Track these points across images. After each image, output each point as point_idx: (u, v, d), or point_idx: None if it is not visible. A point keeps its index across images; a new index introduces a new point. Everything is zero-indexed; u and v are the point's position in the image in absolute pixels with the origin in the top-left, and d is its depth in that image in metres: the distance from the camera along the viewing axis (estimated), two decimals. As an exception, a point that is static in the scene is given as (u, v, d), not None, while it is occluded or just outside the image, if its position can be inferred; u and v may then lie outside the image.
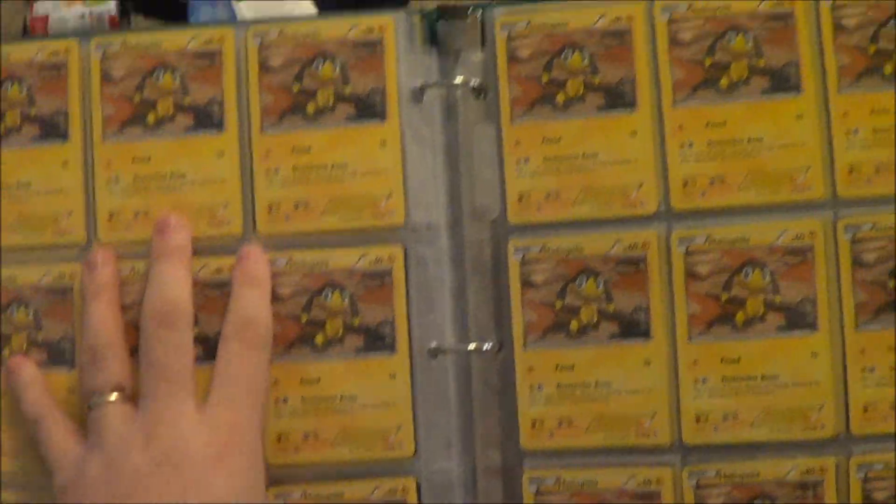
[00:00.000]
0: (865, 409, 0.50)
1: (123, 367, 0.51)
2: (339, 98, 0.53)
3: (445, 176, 0.53)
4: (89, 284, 0.52)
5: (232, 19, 0.77)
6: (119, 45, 0.53)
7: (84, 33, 0.54)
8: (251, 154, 0.53)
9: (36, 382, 0.52)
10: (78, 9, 0.86)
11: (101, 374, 0.50)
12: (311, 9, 0.79)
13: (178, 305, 0.50)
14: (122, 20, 0.85)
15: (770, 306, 0.50)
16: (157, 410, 0.49)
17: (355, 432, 0.52)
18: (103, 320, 0.51)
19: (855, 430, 0.50)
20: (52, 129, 0.53)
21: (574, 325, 0.51)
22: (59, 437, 0.51)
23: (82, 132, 0.53)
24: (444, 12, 0.54)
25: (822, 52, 0.51)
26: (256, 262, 0.52)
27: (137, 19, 0.86)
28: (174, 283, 0.51)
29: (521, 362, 0.52)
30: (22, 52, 0.54)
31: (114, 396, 0.50)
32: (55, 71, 0.54)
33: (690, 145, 0.51)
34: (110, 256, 0.52)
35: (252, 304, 0.51)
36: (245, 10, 0.79)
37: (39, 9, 0.87)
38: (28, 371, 0.52)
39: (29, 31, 0.84)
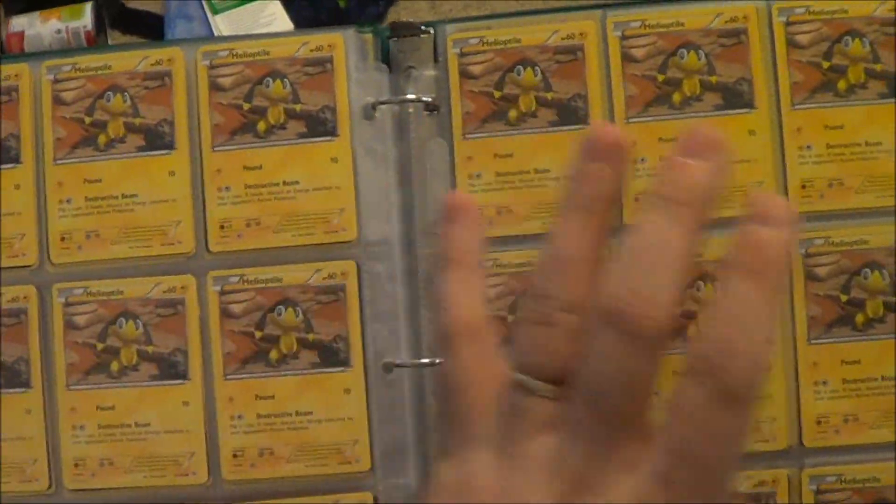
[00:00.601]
0: (818, 422, 0.50)
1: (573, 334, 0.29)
2: (290, 115, 0.53)
3: (398, 191, 0.53)
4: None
5: (209, 35, 0.77)
6: (70, 68, 0.54)
7: (60, 52, 0.54)
8: (202, 173, 0.53)
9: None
10: (54, 24, 0.86)
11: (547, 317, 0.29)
12: (287, 24, 0.79)
13: (659, 299, 0.27)
14: (98, 36, 0.85)
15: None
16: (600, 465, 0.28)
17: (311, 448, 0.52)
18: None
19: (807, 442, 0.50)
20: (4, 153, 0.54)
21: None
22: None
23: (34, 155, 0.54)
24: (396, 30, 0.54)
25: (775, 69, 0.51)
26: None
27: (114, 34, 0.86)
28: (668, 262, 0.28)
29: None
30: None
31: (546, 389, 0.28)
32: (6, 95, 0.54)
33: (643, 160, 0.51)
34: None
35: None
36: (222, 26, 0.79)
37: (15, 25, 0.87)
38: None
39: (5, 48, 0.84)
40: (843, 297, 0.49)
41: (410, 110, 0.53)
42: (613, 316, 0.27)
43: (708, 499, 0.26)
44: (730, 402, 0.26)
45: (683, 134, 0.28)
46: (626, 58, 0.51)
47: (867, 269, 0.49)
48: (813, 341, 0.49)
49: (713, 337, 0.26)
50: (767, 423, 0.49)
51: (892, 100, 0.50)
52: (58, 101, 0.53)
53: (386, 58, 0.53)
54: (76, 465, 0.53)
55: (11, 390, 0.53)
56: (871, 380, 0.49)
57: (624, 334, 0.27)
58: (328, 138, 0.52)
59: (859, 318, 0.49)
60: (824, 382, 0.49)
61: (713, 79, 0.50)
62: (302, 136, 0.53)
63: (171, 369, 0.52)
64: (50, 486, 0.52)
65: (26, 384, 0.53)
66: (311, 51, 0.53)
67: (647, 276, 0.27)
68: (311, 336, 0.52)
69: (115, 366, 0.52)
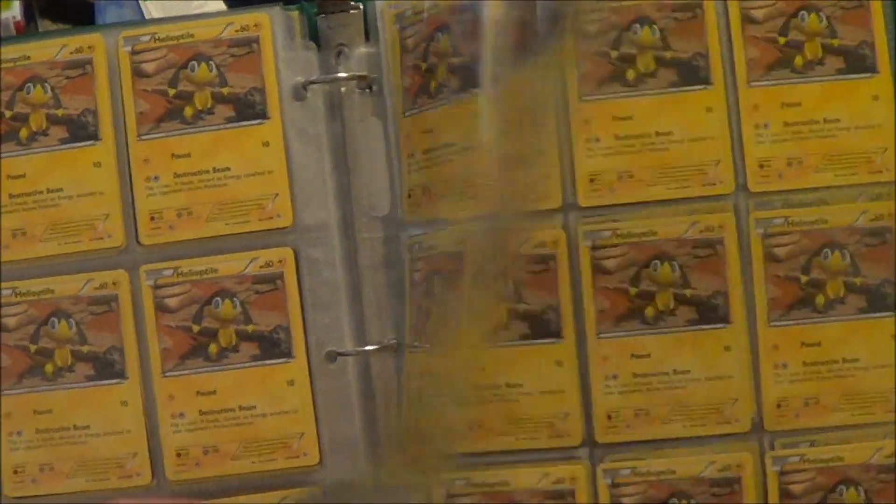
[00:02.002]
0: (778, 406, 0.48)
1: None
2: (218, 100, 0.50)
3: (333, 174, 0.50)
4: None
5: (140, 20, 0.74)
6: (-16, 59, 0.51)
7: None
8: (129, 163, 0.50)
9: None
10: (-18, 15, 0.82)
11: None
12: (220, 6, 0.76)
13: None
14: (28, 25, 0.81)
15: (679, 300, 0.47)
16: None
17: (257, 443, 0.49)
18: None
19: (768, 426, 0.48)
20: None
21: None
22: None
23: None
24: (323, 6, 0.50)
25: (730, 45, 0.48)
26: None
27: (44, 23, 0.83)
28: None
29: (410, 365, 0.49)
30: None
31: None
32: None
33: (597, 140, 0.48)
34: None
35: None
36: (153, 10, 0.76)
37: (-56, 17, 0.84)
38: None
39: (-66, 43, 0.81)
40: (804, 278, 0.47)
41: (343, 89, 0.50)
42: None
43: None
44: None
45: None
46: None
47: (827, 250, 0.47)
48: (773, 324, 0.47)
49: None
50: (729, 405, 0.47)
51: (850, 76, 0.48)
52: (-26, 95, 0.50)
53: (315, 36, 0.51)
54: (15, 472, 0.50)
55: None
56: (831, 362, 0.47)
57: None
58: (258, 121, 0.49)
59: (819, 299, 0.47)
60: (784, 365, 0.47)
61: (668, 54, 0.48)
62: (231, 120, 0.50)
63: (107, 369, 0.49)
64: (-13, 496, 0.50)
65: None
66: (237, 31, 0.50)
67: None
68: (250, 328, 0.49)
69: (49, 368, 0.50)
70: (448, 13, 0.48)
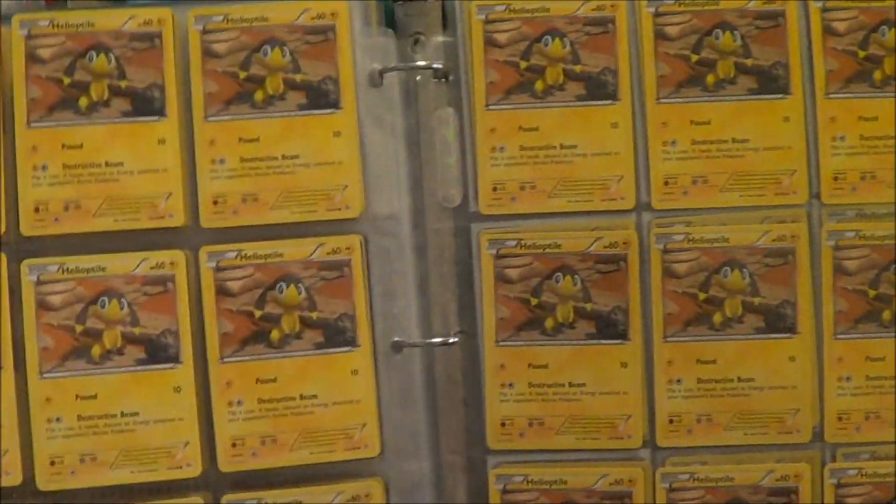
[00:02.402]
0: (839, 418, 0.49)
1: None
2: (290, 86, 0.49)
3: (407, 163, 0.50)
4: None
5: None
6: (47, 23, 0.48)
7: (18, 10, 0.49)
8: (194, 143, 0.48)
9: None
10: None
11: None
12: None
13: None
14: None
15: (748, 307, 0.49)
16: None
17: (317, 433, 0.47)
18: None
19: (829, 437, 0.49)
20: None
21: (549, 322, 0.49)
22: None
23: (4, 117, 0.47)
24: (401, -5, 0.51)
25: (810, 56, 0.49)
26: None
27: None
28: None
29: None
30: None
31: None
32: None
33: (674, 143, 0.49)
34: None
35: None
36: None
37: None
38: None
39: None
40: (871, 293, 0.49)
41: (418, 78, 0.50)
42: None
43: None
44: None
45: None
46: (660, 36, 0.49)
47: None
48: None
49: None
50: (791, 415, 0.49)
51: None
52: (33, 58, 0.47)
53: (391, 23, 0.50)
54: (52, 464, 0.46)
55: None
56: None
57: None
58: (330, 111, 0.49)
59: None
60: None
61: (749, 62, 0.49)
62: (302, 107, 0.49)
63: (160, 352, 0.47)
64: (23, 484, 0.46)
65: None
66: (312, 18, 0.49)
67: None
68: (314, 314, 0.48)
69: (96, 350, 0.47)
70: (566, 22, 0.49)
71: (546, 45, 0.49)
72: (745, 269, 0.49)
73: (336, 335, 0.48)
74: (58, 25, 0.48)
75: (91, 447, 0.47)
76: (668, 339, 0.49)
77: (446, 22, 0.50)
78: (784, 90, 0.49)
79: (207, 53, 0.48)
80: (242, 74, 0.49)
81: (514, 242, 0.49)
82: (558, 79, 0.49)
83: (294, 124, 0.49)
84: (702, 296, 0.49)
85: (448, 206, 0.50)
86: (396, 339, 0.49)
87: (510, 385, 0.49)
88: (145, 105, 0.48)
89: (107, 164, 0.47)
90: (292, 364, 0.48)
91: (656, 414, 0.49)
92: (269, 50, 0.49)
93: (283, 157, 0.48)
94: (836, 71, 0.49)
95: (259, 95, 0.49)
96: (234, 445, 0.47)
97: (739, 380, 0.49)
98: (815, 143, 0.49)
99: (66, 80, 0.48)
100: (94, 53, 0.48)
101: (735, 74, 0.49)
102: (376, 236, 0.49)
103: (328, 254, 0.48)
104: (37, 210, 0.47)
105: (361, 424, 0.48)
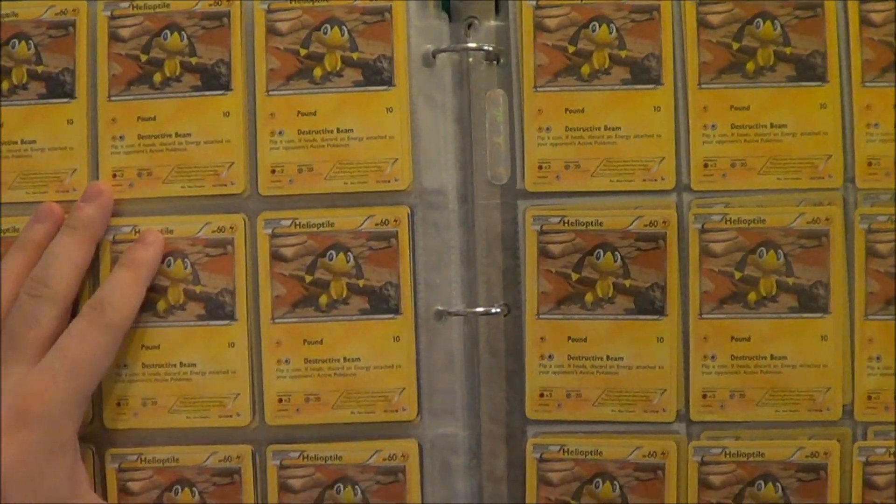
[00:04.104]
0: (869, 397, 0.48)
1: None
2: (347, 63, 0.50)
3: (455, 141, 0.51)
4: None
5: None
6: (128, 4, 0.51)
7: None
8: (256, 116, 0.50)
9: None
10: None
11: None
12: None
13: (49, 281, 0.47)
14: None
15: (782, 287, 0.48)
16: None
17: (358, 395, 0.49)
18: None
19: (858, 416, 0.48)
20: (59, 88, 0.51)
21: (589, 297, 0.49)
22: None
23: (88, 91, 0.51)
24: (457, -21, 0.52)
25: (848, 44, 0.49)
26: (145, 247, 0.49)
27: None
28: (62, 260, 0.48)
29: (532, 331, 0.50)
30: (30, 11, 0.51)
31: None
32: (63, 30, 0.51)
33: (714, 126, 0.49)
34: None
35: (115, 286, 0.48)
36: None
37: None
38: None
39: None
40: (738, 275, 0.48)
41: (471, 60, 0.51)
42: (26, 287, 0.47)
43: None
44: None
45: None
46: (702, 24, 0.49)
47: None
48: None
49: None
50: (822, 393, 0.48)
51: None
52: (115, 37, 0.51)
53: (447, 8, 0.51)
54: (118, 405, 0.49)
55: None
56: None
57: (30, 296, 0.47)
58: (384, 88, 0.50)
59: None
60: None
61: (788, 50, 0.48)
62: (358, 84, 0.50)
63: (218, 310, 0.49)
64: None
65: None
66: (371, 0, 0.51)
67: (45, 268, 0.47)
68: (361, 282, 0.50)
69: (162, 305, 0.49)
70: (614, 9, 0.49)
71: (594, 31, 0.50)
72: (780, 250, 0.48)
73: (380, 302, 0.49)
74: (136, 6, 0.51)
75: (153, 392, 0.50)
76: (704, 315, 0.48)
77: (498, 7, 0.51)
78: (821, 78, 0.48)
79: (270, 31, 0.51)
80: (303, 52, 0.50)
81: (557, 219, 0.49)
82: (604, 63, 0.49)
83: (349, 100, 0.50)
84: (738, 275, 0.48)
85: (496, 183, 0.50)
86: (439, 307, 0.50)
87: (550, 357, 0.49)
88: (213, 80, 0.50)
89: (176, 134, 0.50)
90: (338, 327, 0.49)
91: (690, 389, 0.48)
92: (329, 29, 0.50)
93: (338, 130, 0.50)
94: (873, 60, 0.48)
95: (318, 72, 0.50)
96: (280, 401, 0.49)
97: (772, 357, 0.48)
98: (851, 129, 0.48)
99: (144, 57, 0.50)
100: (168, 32, 0.51)
101: (774, 62, 0.48)
102: (423, 209, 0.50)
103: (377, 225, 0.50)
104: (115, 175, 0.50)
105: (401, 389, 0.49)
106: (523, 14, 0.50)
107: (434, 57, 0.50)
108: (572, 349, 0.49)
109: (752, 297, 0.48)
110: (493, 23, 0.51)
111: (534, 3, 0.50)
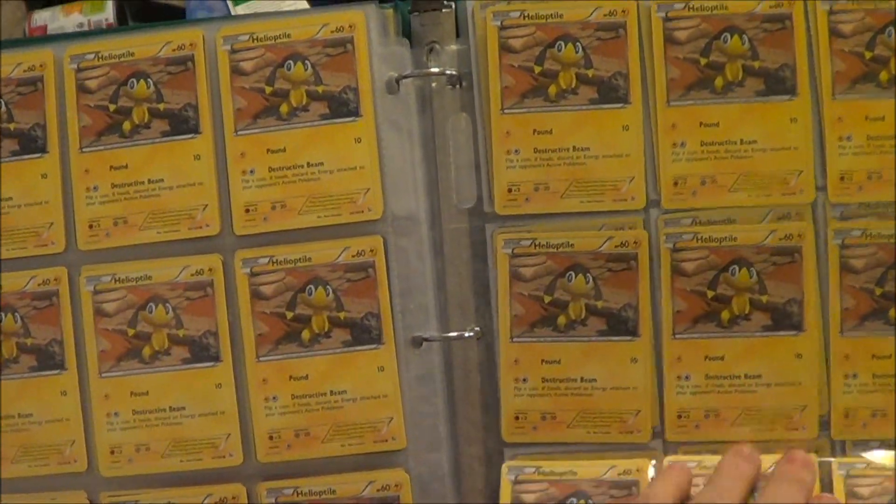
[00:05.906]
0: (846, 415, 0.47)
1: None
2: (313, 97, 0.49)
3: (423, 167, 0.50)
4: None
5: (237, 16, 0.73)
6: (93, 56, 0.50)
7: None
8: (226, 157, 0.49)
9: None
10: (76, 18, 0.82)
11: None
12: (303, 4, 0.75)
13: None
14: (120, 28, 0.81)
15: (756, 305, 0.47)
16: None
17: (347, 427, 0.48)
18: None
19: (835, 434, 0.47)
20: (31, 143, 0.50)
21: (562, 319, 0.48)
22: None
23: (60, 144, 0.50)
24: (416, 5, 0.50)
25: (817, 57, 0.47)
26: (803, 466, 0.45)
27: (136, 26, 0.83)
28: None
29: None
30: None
31: None
32: (31, 86, 0.50)
33: (683, 144, 0.47)
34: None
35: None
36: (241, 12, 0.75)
37: (38, 20, 0.84)
38: None
39: (29, 41, 0.81)
40: (878, 290, 0.46)
41: (434, 85, 0.50)
42: None
43: None
44: None
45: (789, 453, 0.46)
46: (669, 40, 0.47)
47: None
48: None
49: None
50: (798, 412, 0.46)
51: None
52: (83, 89, 0.50)
53: (407, 33, 0.50)
54: (112, 453, 0.50)
55: (47, 372, 0.50)
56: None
57: None
58: (351, 119, 0.49)
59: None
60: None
61: (756, 64, 0.46)
62: (325, 117, 0.49)
63: (202, 352, 0.49)
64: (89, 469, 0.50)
65: (61, 366, 0.50)
66: (332, 32, 0.49)
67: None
68: (342, 314, 0.49)
69: (146, 351, 0.49)
70: (579, 27, 0.48)
71: (559, 50, 0.48)
72: (752, 268, 0.46)
73: (362, 333, 0.49)
74: (101, 57, 0.50)
75: (146, 438, 0.50)
76: (677, 335, 0.47)
77: (459, 31, 0.49)
78: (791, 91, 0.46)
79: (235, 71, 0.49)
80: (268, 89, 0.49)
81: (528, 242, 0.48)
82: (571, 83, 0.48)
83: (318, 133, 0.49)
84: (710, 293, 0.47)
85: (463, 207, 0.49)
86: (416, 334, 0.49)
87: (524, 380, 0.48)
88: (181, 124, 0.50)
89: (149, 181, 0.50)
90: (322, 362, 0.49)
91: (665, 409, 0.47)
92: (293, 64, 0.49)
93: (308, 164, 0.49)
94: (843, 72, 0.46)
95: (284, 108, 0.49)
96: (270, 438, 0.49)
97: (746, 376, 0.46)
98: (822, 143, 0.46)
99: (112, 107, 0.50)
100: (134, 80, 0.50)
101: (743, 77, 0.47)
102: (395, 237, 0.49)
103: (353, 256, 0.49)
104: (90, 227, 0.50)
105: (389, 418, 0.49)
106: (489, 35, 0.49)
107: (398, 83, 0.49)
108: (546, 371, 0.48)
109: (725, 315, 0.47)
110: (454, 46, 0.49)
111: (498, 23, 0.48)
